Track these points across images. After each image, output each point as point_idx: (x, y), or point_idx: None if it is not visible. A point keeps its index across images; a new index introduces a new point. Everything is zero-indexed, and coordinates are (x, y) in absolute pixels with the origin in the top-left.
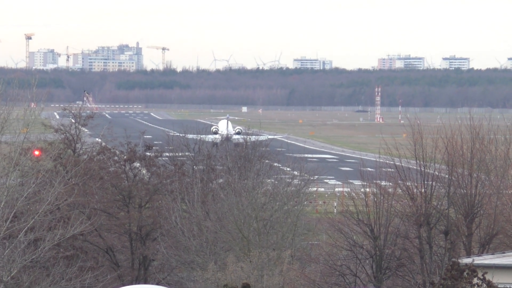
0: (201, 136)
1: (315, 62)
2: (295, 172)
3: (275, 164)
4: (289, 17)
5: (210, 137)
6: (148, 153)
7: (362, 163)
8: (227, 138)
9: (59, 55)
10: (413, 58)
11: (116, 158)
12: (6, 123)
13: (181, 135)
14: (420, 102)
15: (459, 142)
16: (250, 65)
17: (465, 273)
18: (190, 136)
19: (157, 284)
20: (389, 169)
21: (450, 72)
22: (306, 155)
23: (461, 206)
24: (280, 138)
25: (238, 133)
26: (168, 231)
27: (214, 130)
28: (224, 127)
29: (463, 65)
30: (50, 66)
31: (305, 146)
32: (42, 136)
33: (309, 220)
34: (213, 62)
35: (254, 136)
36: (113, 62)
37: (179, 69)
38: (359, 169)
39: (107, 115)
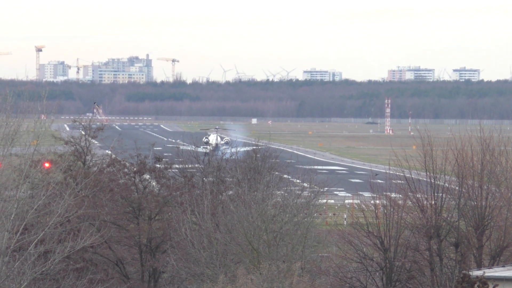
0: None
1: (325, 74)
2: (305, 184)
3: (285, 176)
4: (299, 28)
5: (201, 148)
6: (158, 165)
7: (372, 175)
8: (216, 148)
9: (69, 67)
10: (423, 70)
11: (126, 170)
12: (16, 135)
13: (175, 146)
14: (430, 113)
15: (469, 153)
16: (259, 76)
17: (476, 286)
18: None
19: None
20: (399, 181)
21: (460, 84)
22: (316, 167)
23: (472, 218)
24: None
25: (226, 143)
26: (178, 243)
27: (205, 140)
28: (214, 137)
29: (473, 76)
30: (60, 78)
31: (315, 157)
32: (52, 148)
33: (319, 232)
34: (223, 74)
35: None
36: (123, 74)
37: (189, 81)
38: (369, 181)
39: (117, 127)
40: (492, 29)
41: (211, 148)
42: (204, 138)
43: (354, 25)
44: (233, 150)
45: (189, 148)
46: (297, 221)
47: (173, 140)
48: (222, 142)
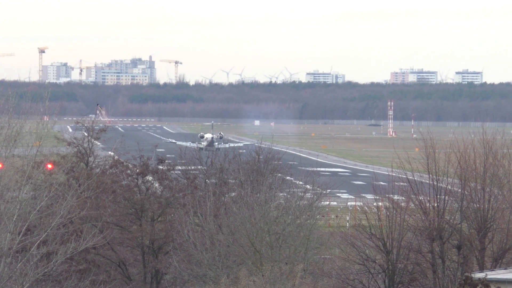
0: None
1: (327, 76)
2: (308, 186)
3: (288, 177)
4: (302, 31)
5: (197, 144)
6: (160, 167)
7: (375, 177)
8: (211, 142)
9: (72, 68)
10: (426, 72)
11: (128, 171)
12: (19, 136)
13: (171, 141)
14: (433, 116)
15: (472, 156)
16: (262, 78)
17: None
18: (180, 143)
19: None
20: (401, 183)
21: (463, 86)
22: (318, 169)
23: (474, 220)
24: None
25: (220, 137)
26: (181, 244)
27: (201, 135)
28: (209, 134)
29: (476, 79)
30: (63, 80)
31: (318, 159)
32: (54, 149)
33: (322, 234)
34: (226, 75)
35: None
36: (126, 76)
37: (192, 83)
38: (372, 183)
39: (120, 128)
40: (495, 31)
41: (206, 143)
42: (200, 133)
43: (357, 27)
44: (230, 145)
45: (187, 145)
46: (299, 223)
47: (172, 140)
48: (216, 136)
